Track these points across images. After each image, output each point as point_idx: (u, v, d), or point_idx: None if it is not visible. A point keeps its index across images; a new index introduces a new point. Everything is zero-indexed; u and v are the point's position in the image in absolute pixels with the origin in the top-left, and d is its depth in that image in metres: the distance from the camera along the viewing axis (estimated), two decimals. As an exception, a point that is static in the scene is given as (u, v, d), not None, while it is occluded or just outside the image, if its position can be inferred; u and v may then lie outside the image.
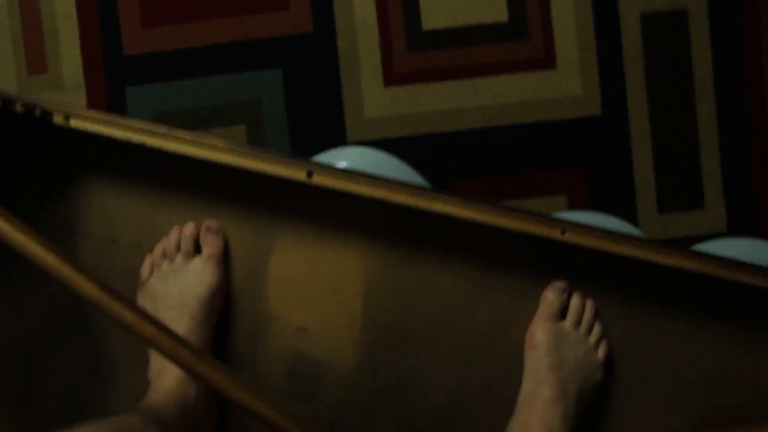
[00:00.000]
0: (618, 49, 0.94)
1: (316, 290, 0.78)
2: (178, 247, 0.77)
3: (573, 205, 0.94)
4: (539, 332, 0.75)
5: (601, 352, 0.76)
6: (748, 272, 0.72)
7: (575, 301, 0.77)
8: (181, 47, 0.93)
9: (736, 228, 0.96)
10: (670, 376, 0.78)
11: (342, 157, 0.86)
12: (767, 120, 0.96)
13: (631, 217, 0.95)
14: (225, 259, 0.78)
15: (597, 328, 0.77)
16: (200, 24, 0.93)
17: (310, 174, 0.69)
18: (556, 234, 0.69)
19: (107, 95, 0.92)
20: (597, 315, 0.77)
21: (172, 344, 0.51)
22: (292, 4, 0.93)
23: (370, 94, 0.94)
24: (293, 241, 0.78)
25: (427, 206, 0.69)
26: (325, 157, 0.86)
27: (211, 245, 0.76)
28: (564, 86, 0.94)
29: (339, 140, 0.93)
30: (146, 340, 0.52)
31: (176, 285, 0.75)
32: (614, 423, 0.78)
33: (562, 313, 0.77)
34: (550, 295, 0.76)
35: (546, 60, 0.94)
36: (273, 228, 0.78)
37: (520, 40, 0.94)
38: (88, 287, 0.49)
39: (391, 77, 0.94)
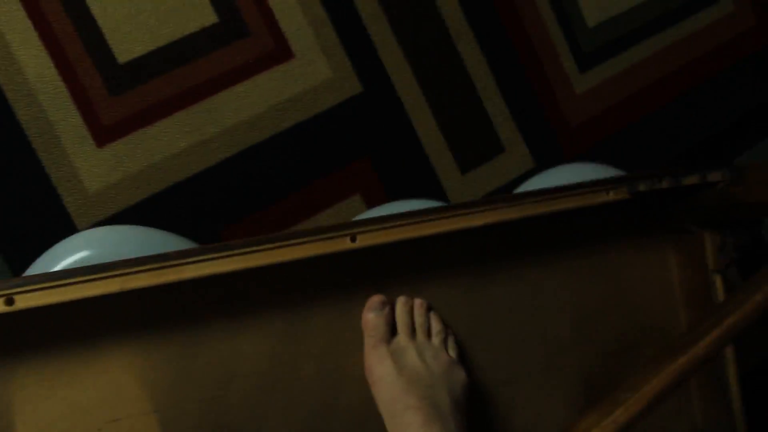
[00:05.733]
0: (354, 13, 0.84)
1: (89, 430, 0.61)
2: None
3: (371, 202, 0.84)
4: (375, 363, 0.66)
5: (451, 349, 0.69)
6: (563, 198, 0.67)
7: (400, 307, 0.68)
8: None
9: (544, 160, 0.91)
10: (536, 333, 0.72)
11: (73, 249, 0.69)
12: (530, 42, 0.92)
13: (437, 190, 0.87)
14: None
15: (437, 326, 0.69)
16: None
17: (9, 301, 0.54)
18: (346, 245, 0.62)
19: None
20: (430, 311, 0.69)
21: None
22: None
23: (83, 163, 0.76)
24: (33, 382, 0.60)
25: (176, 278, 0.57)
26: (48, 258, 0.68)
27: None
28: (311, 73, 0.82)
29: (65, 231, 0.75)
30: None
31: None
32: (507, 410, 0.72)
33: (392, 328, 0.68)
34: (371, 316, 0.67)
35: (279, 51, 0.81)
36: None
37: (240, 38, 0.80)
38: None
39: (102, 133, 0.76)
